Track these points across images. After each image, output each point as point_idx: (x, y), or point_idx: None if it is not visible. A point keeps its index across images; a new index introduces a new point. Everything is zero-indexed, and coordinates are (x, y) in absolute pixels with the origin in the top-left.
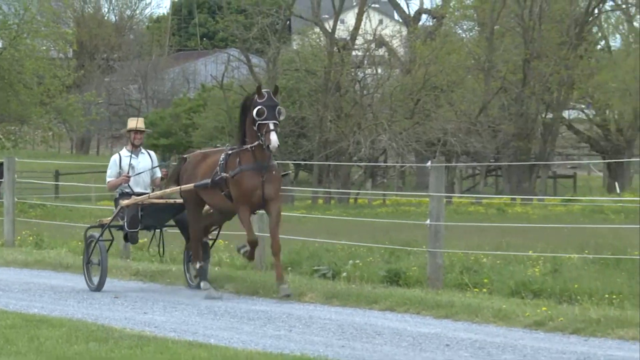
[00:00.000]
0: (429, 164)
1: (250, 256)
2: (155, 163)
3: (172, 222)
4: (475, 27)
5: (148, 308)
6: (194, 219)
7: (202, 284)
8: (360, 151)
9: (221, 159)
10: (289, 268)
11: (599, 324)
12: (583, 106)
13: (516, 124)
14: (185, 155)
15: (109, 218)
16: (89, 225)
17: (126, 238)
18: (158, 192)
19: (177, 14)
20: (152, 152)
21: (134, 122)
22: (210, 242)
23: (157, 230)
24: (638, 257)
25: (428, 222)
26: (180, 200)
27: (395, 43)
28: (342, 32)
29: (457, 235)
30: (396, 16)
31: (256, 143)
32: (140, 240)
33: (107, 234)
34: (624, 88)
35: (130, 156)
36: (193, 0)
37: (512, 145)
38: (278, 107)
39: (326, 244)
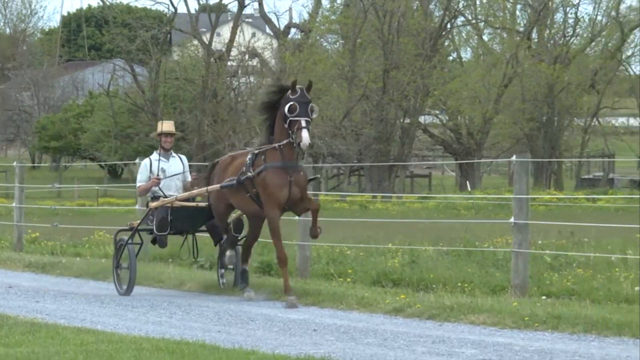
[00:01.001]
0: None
1: (286, 288)
2: (187, 167)
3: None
4: (339, 40)
5: (40, 297)
6: (219, 220)
7: (240, 285)
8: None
9: (248, 159)
10: (170, 260)
11: (452, 310)
12: (437, 112)
13: (377, 128)
14: (214, 162)
15: (139, 221)
16: (119, 229)
17: (154, 241)
18: (185, 194)
19: (66, 27)
20: (183, 156)
21: (164, 126)
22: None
23: (189, 234)
24: (639, 257)
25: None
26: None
27: (267, 54)
28: (218, 44)
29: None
30: (267, 30)
31: (285, 141)
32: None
33: (137, 237)
34: (473, 95)
35: (160, 159)
36: (81, 14)
37: (373, 148)
38: (311, 104)
39: (205, 237)
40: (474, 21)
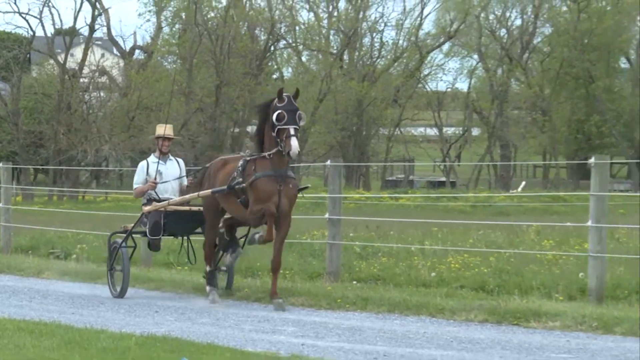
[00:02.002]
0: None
1: (268, 235)
2: (184, 170)
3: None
4: (178, 60)
5: None
6: (210, 225)
7: (207, 287)
8: (87, 158)
9: (239, 165)
10: (30, 252)
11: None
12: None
13: (210, 136)
14: (206, 165)
15: (133, 224)
16: (112, 232)
17: (149, 245)
18: (177, 199)
19: None
20: (180, 160)
21: (162, 129)
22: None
23: (186, 238)
24: (435, 247)
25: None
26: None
27: (115, 72)
28: (72, 63)
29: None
30: (115, 51)
31: (274, 150)
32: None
33: (131, 240)
34: None
35: (158, 162)
36: None
37: (207, 154)
38: (298, 111)
39: (59, 232)
40: (294, 44)
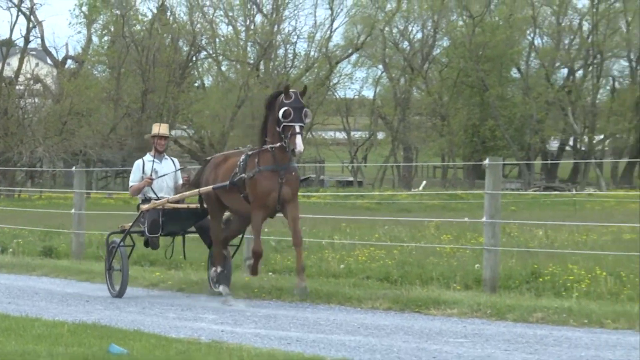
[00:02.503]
0: (73, 168)
1: (253, 270)
2: (178, 169)
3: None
4: (107, 69)
5: None
6: (215, 222)
7: (221, 287)
8: (22, 159)
9: (241, 160)
10: None
11: (197, 284)
12: (185, 127)
13: (137, 140)
14: (208, 158)
15: (131, 223)
16: (110, 231)
17: (147, 244)
18: (177, 196)
19: None
20: (175, 159)
21: (158, 128)
22: (232, 250)
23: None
24: (344, 241)
25: (73, 210)
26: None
27: (49, 80)
28: (8, 72)
29: (94, 220)
30: (49, 60)
31: (278, 144)
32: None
33: (129, 239)
34: (214, 114)
35: (154, 161)
36: None
37: (134, 155)
38: (305, 109)
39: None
40: (214, 55)
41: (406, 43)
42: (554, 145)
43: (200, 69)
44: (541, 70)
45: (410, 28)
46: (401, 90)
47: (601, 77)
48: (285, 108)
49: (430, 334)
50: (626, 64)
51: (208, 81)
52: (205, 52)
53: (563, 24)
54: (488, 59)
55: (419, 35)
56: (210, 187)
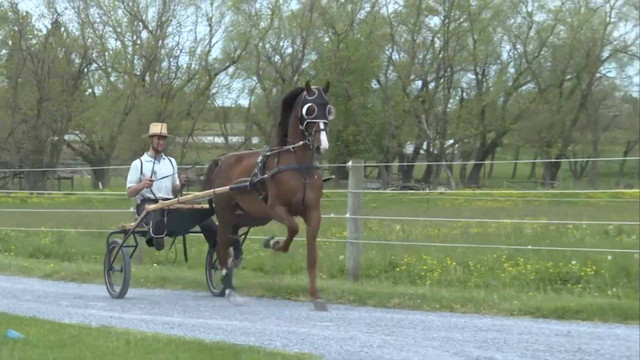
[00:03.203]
0: None
1: (284, 247)
2: (176, 169)
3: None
4: (5, 79)
5: None
6: (224, 224)
7: (226, 291)
8: None
9: (259, 160)
10: None
11: (88, 274)
12: (77, 132)
13: (33, 143)
14: (217, 159)
15: (133, 223)
16: (111, 231)
17: (150, 243)
18: (189, 196)
19: None
20: (172, 159)
21: (157, 128)
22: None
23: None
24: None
25: None
26: (206, 206)
27: None
28: None
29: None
30: None
31: (301, 143)
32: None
33: (130, 239)
34: (103, 120)
35: (153, 162)
36: None
37: (30, 158)
38: (329, 105)
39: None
40: (104, 67)
41: (278, 57)
42: (409, 148)
43: (91, 80)
44: (398, 81)
45: (281, 43)
46: (273, 99)
47: (451, 88)
48: (309, 104)
49: (299, 318)
50: (473, 76)
51: (98, 90)
52: (95, 64)
53: (417, 41)
54: (351, 71)
55: (290, 50)
56: (227, 188)
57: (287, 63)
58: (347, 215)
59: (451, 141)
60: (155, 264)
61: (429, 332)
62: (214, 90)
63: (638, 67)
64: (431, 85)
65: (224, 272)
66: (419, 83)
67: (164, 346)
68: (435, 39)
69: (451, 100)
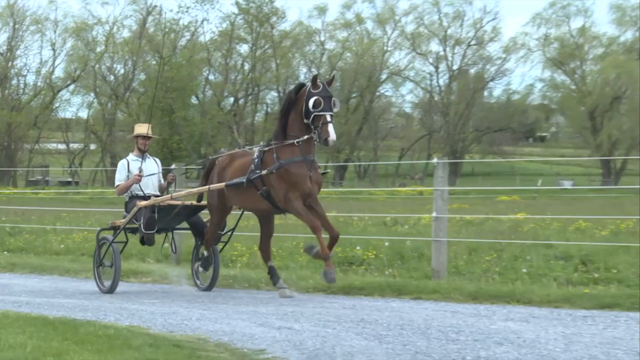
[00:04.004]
0: None
1: (324, 251)
2: (160, 168)
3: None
4: None
5: None
6: (214, 223)
7: (200, 268)
8: None
9: (255, 156)
10: None
11: None
12: None
13: None
14: (211, 157)
15: (123, 220)
16: (100, 228)
17: (142, 240)
18: (183, 192)
19: None
20: (157, 159)
21: (142, 128)
22: (221, 245)
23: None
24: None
25: None
26: (196, 203)
27: None
28: None
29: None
30: None
31: (306, 137)
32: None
33: (121, 236)
34: None
35: (140, 160)
36: None
37: None
38: (334, 98)
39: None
40: None
41: (112, 77)
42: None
43: None
44: (214, 98)
45: (115, 65)
46: (108, 112)
47: (258, 103)
48: (316, 97)
49: (130, 296)
50: (276, 94)
51: None
52: None
53: (230, 64)
54: (174, 89)
55: (122, 71)
56: (222, 184)
57: (119, 82)
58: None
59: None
60: (5, 252)
61: (239, 307)
62: (57, 105)
63: (409, 87)
64: (241, 101)
65: (205, 253)
66: (231, 99)
67: (13, 322)
68: (245, 62)
69: (258, 114)
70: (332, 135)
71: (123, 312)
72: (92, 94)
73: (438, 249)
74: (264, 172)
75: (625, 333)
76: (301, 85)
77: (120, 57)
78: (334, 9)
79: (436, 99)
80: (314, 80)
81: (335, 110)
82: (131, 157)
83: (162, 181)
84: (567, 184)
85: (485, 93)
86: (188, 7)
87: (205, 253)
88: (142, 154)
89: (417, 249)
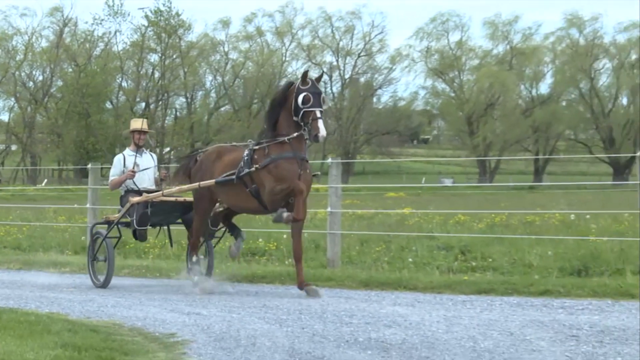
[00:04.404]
0: None
1: (298, 214)
2: (156, 163)
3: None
4: None
5: None
6: (200, 218)
7: (195, 278)
8: None
9: (245, 154)
10: None
11: None
12: None
13: None
14: (194, 152)
15: (116, 215)
16: (94, 222)
17: (135, 235)
18: (174, 189)
19: None
20: (153, 153)
21: (138, 123)
22: (215, 241)
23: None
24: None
25: None
26: (190, 199)
27: None
28: None
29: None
30: None
31: (295, 134)
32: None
33: (114, 230)
34: None
35: (135, 155)
36: None
37: None
38: (322, 94)
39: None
40: None
41: (31, 83)
42: None
43: None
44: (127, 103)
45: (34, 72)
46: (29, 116)
47: (167, 108)
48: (305, 94)
49: (50, 285)
50: (184, 99)
51: None
52: None
53: (141, 72)
54: (90, 95)
55: (41, 78)
56: (212, 181)
57: (38, 88)
58: (88, 205)
59: (168, 148)
60: None
61: (151, 295)
62: None
63: None
64: (152, 106)
65: (193, 259)
66: (143, 104)
67: None
68: (155, 71)
69: (167, 118)
70: (322, 131)
71: (43, 300)
72: (13, 99)
73: (333, 241)
74: (255, 167)
75: (499, 315)
76: (290, 84)
77: (39, 65)
78: (236, 22)
79: (330, 104)
80: (304, 76)
81: (324, 107)
82: (127, 152)
83: (157, 175)
84: (447, 182)
85: (374, 99)
86: (102, 19)
87: (194, 259)
88: (138, 148)
89: (313, 241)
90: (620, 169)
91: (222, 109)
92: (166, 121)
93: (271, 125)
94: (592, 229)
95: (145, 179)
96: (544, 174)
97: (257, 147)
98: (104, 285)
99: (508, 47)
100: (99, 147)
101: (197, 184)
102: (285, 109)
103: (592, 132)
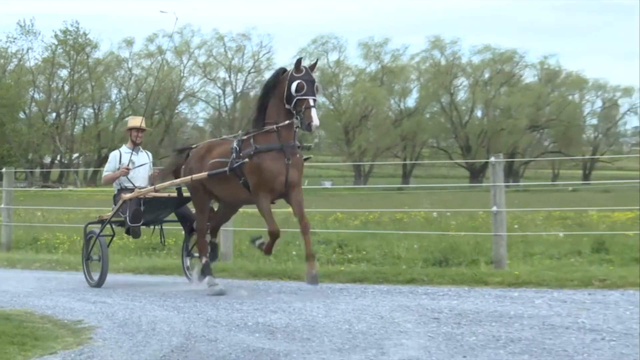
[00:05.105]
0: None
1: (267, 249)
2: (151, 161)
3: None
4: None
5: None
6: (201, 213)
7: (207, 279)
8: None
9: (234, 145)
10: None
11: None
12: None
13: None
14: (183, 147)
15: (109, 213)
16: (88, 222)
17: (128, 232)
18: (166, 183)
19: None
20: (148, 152)
21: (136, 121)
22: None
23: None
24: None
25: None
26: (179, 195)
27: None
28: None
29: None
30: None
31: (286, 122)
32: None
33: (108, 229)
34: None
35: (132, 153)
36: None
37: None
38: (316, 83)
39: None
40: None
41: None
42: (47, 159)
43: None
44: (39, 113)
45: None
46: None
47: (76, 118)
48: (299, 81)
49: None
50: (92, 110)
51: None
52: None
53: (52, 86)
54: (4, 106)
55: None
56: (205, 174)
57: None
58: (2, 205)
59: (77, 154)
60: None
61: (62, 285)
62: None
63: (202, 106)
64: (62, 116)
65: (203, 260)
66: (54, 114)
67: None
68: (65, 84)
69: (76, 127)
70: (315, 120)
71: None
72: None
73: (226, 236)
74: (244, 160)
75: (372, 301)
76: (283, 70)
77: None
78: (139, 41)
79: (224, 115)
80: (298, 64)
81: (317, 96)
82: (124, 149)
83: (151, 172)
84: (327, 184)
85: None
86: (15, 38)
87: (203, 260)
88: (135, 146)
89: None
90: (476, 173)
91: (126, 119)
92: (75, 130)
93: (259, 114)
94: (452, 225)
95: (139, 177)
96: (411, 177)
97: (244, 137)
98: (99, 284)
99: (380, 66)
100: (13, 152)
101: (189, 177)
102: (276, 97)
103: (452, 140)
